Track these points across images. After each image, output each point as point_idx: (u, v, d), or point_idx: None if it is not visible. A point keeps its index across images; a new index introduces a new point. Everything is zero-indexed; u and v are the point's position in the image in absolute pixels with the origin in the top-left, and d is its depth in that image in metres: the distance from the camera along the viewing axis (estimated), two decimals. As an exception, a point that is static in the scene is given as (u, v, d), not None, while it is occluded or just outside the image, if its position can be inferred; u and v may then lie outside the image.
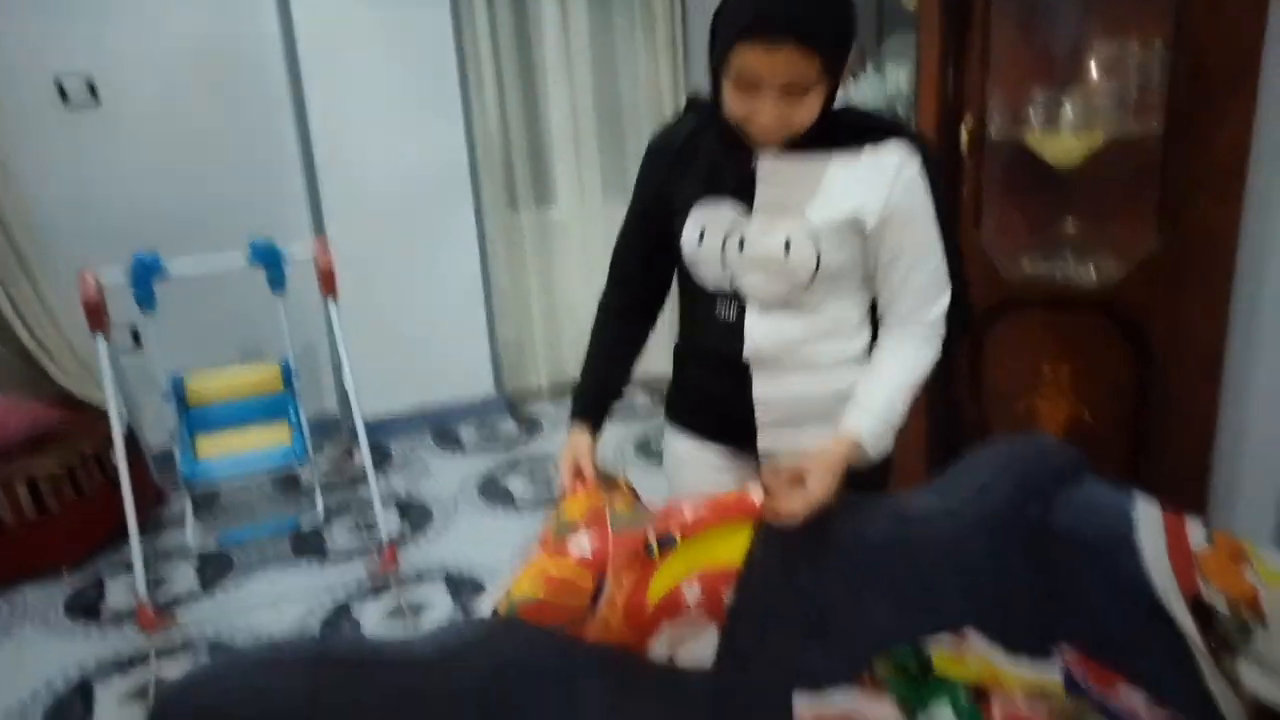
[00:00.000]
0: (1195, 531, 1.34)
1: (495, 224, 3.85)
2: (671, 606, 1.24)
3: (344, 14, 3.40)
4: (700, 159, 1.33)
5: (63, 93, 3.19)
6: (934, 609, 1.42)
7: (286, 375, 3.10)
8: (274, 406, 3.10)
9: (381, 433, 3.75)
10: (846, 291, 1.36)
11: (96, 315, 2.62)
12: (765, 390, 1.39)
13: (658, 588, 1.23)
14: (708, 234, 1.32)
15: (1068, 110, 2.16)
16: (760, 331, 1.35)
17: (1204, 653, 1.26)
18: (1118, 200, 2.27)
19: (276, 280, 3.01)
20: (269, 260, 2.95)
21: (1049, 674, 1.39)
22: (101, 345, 2.67)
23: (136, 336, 3.37)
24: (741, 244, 1.30)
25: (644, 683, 1.24)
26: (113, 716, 2.19)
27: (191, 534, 2.99)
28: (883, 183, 1.28)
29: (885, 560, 1.38)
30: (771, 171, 1.28)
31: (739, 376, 1.39)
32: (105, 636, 2.52)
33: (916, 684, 1.32)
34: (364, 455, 2.88)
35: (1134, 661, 1.38)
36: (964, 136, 2.30)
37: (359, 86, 3.47)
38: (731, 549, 1.28)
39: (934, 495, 1.47)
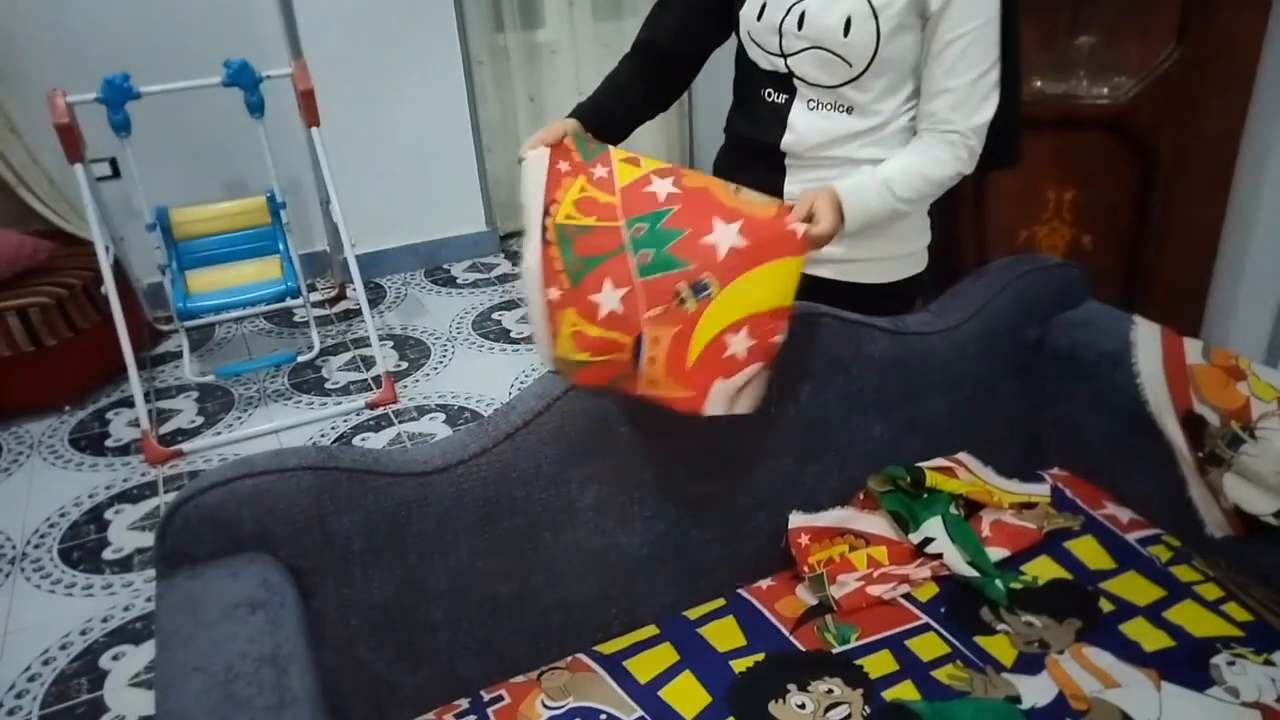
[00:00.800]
0: (1193, 349, 1.33)
1: (481, 47, 3.66)
2: (718, 361, 1.11)
3: None
4: None
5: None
6: (926, 429, 1.44)
7: (273, 207, 3.02)
8: (262, 239, 3.04)
9: (373, 269, 3.71)
10: (896, 90, 1.25)
11: (70, 140, 2.51)
12: (796, 187, 1.32)
13: (699, 341, 1.10)
14: (769, 7, 1.25)
15: (1094, -92, 2.01)
16: (805, 121, 1.29)
17: (1190, 465, 1.29)
18: (1136, 12, 2.14)
19: (255, 105, 2.88)
20: (245, 82, 2.81)
21: (1038, 490, 1.43)
22: (80, 173, 2.58)
23: (116, 168, 3.26)
24: (801, 20, 1.22)
25: (642, 492, 1.27)
26: (127, 541, 2.26)
27: (189, 368, 3.00)
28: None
29: (882, 380, 1.38)
30: None
31: (773, 166, 1.33)
32: (113, 467, 2.58)
33: (909, 498, 1.36)
34: (358, 290, 2.86)
35: (1120, 476, 1.41)
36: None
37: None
38: (777, 288, 1.11)
39: (934, 315, 1.46)
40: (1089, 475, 1.46)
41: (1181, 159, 2.08)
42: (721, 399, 1.12)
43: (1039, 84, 2.24)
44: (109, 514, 2.37)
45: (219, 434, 2.72)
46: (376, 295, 3.62)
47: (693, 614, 1.27)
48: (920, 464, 1.39)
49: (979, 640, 1.17)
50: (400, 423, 2.73)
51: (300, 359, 3.06)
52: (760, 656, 1.18)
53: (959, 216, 2.45)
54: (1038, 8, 2.26)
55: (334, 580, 1.09)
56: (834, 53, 1.21)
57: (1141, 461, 1.37)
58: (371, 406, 2.80)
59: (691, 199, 1.15)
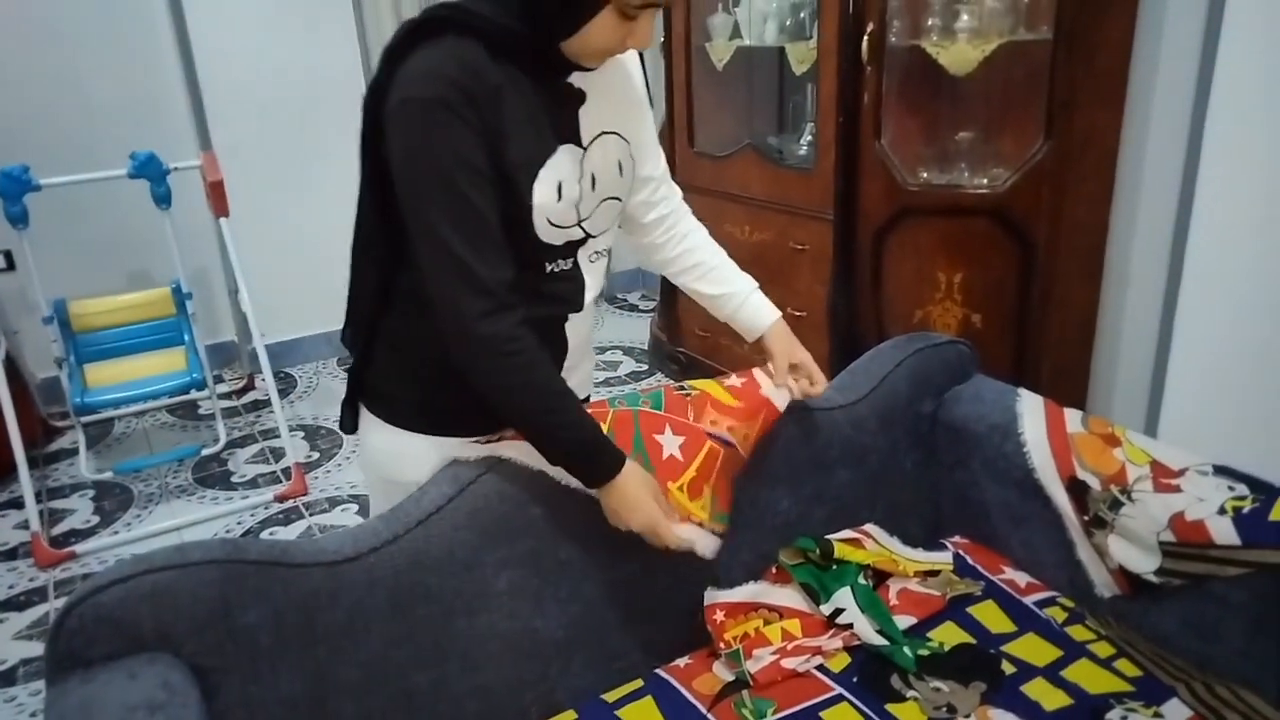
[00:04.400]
0: (1073, 419, 1.43)
1: (395, 139, 3.72)
2: (748, 386, 1.38)
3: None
4: (524, 103, 1.06)
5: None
6: (832, 501, 1.49)
7: (179, 298, 2.97)
8: (167, 331, 2.98)
9: (284, 358, 3.65)
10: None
11: (-39, 237, 2.45)
12: (576, 336, 1.25)
13: (722, 396, 1.36)
14: (566, 185, 1.10)
15: (964, 17, 2.20)
16: (594, 273, 1.23)
17: (1077, 528, 1.37)
18: (1009, 109, 2.33)
19: (162, 196, 2.86)
20: (152, 173, 2.80)
21: (941, 558, 1.48)
22: (-30, 268, 2.50)
23: (10, 260, 3.16)
24: (594, 182, 1.15)
25: (558, 574, 1.27)
26: (11, 651, 2.12)
27: (85, 465, 2.87)
28: (637, 73, 1.24)
29: (788, 455, 1.43)
30: (592, 94, 1.14)
31: (554, 333, 1.22)
32: (-2, 573, 2.43)
33: (819, 569, 1.39)
34: (268, 380, 2.81)
35: (1015, 542, 1.48)
36: (865, 43, 2.32)
37: (240, -6, 3.26)
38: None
39: (835, 391, 1.53)
40: (988, 541, 1.53)
41: (1056, 244, 2.24)
42: (781, 395, 1.39)
43: (925, 175, 2.40)
44: (-9, 623, 2.23)
45: (116, 533, 2.60)
46: (287, 385, 3.56)
47: (610, 696, 1.27)
48: (829, 536, 1.44)
49: (890, 708, 1.20)
50: (311, 515, 2.66)
51: (205, 452, 2.97)
52: (679, 736, 1.18)
53: (860, 298, 2.57)
54: (921, 105, 2.44)
55: (240, 678, 1.05)
56: (615, 197, 1.21)
57: (1034, 526, 1.44)
58: (281, 499, 2.72)
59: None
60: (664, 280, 3.38)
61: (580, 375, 1.33)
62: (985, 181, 2.31)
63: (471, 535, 1.19)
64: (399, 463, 1.25)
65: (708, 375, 1.43)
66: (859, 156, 2.45)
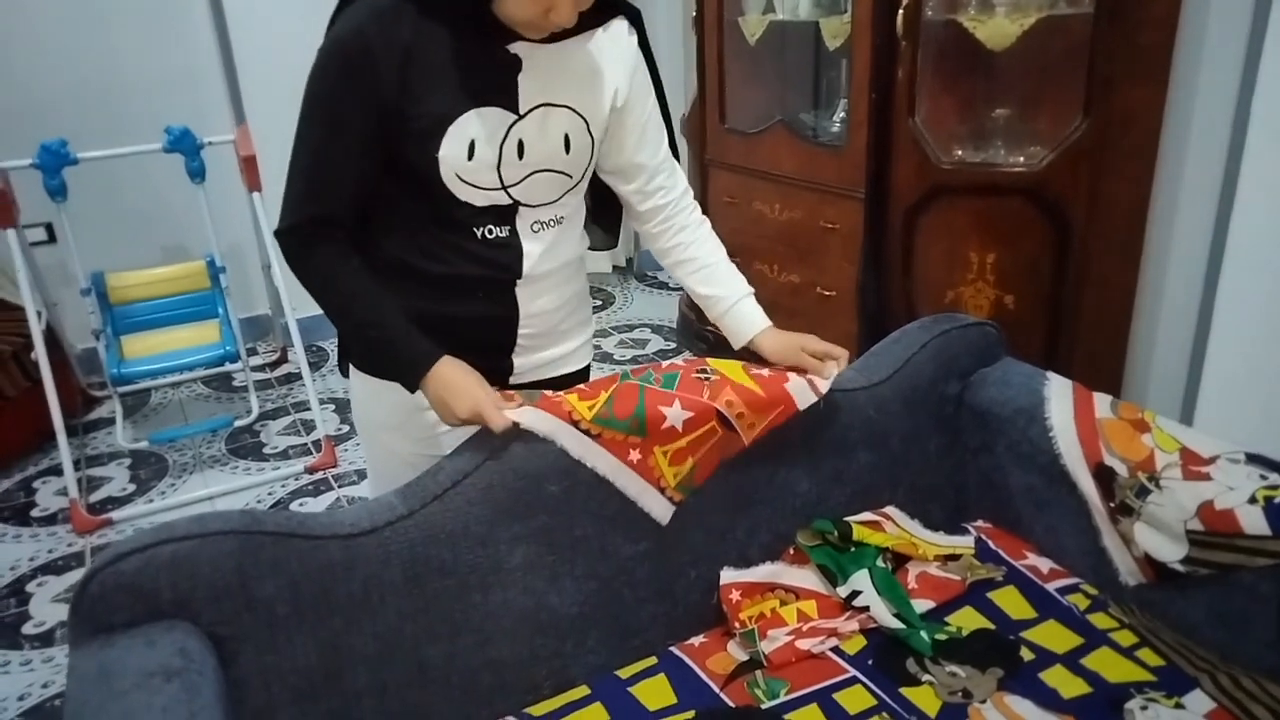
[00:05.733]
0: (1102, 404, 1.39)
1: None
2: (775, 376, 1.35)
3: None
4: (442, 61, 1.11)
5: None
6: (852, 483, 1.47)
7: (213, 272, 3.01)
8: (201, 304, 3.02)
9: (317, 332, 3.69)
10: (587, 184, 1.31)
11: (3, 206, 2.49)
12: (534, 305, 1.28)
13: (746, 379, 1.33)
14: (480, 145, 1.13)
15: (1002, -10, 2.14)
16: (537, 247, 1.24)
17: (1103, 514, 1.34)
18: (1047, 85, 2.27)
19: (196, 170, 2.89)
20: (186, 148, 2.83)
21: (963, 542, 1.46)
22: (12, 238, 2.56)
23: (52, 233, 3.22)
24: (521, 149, 1.17)
25: (573, 551, 1.27)
26: (49, 614, 2.18)
27: (122, 434, 2.94)
28: (622, 62, 1.24)
29: (808, 435, 1.42)
30: (534, 64, 1.15)
31: (500, 299, 1.25)
32: (38, 538, 2.50)
33: (837, 552, 1.38)
34: (299, 353, 2.84)
35: (1039, 528, 1.45)
36: (900, 17, 2.26)
37: (275, -33, 3.27)
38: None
39: (858, 372, 1.51)
40: (1011, 526, 1.50)
41: (1094, 225, 2.18)
42: (806, 393, 1.35)
43: (959, 153, 2.35)
44: (31, 586, 2.29)
45: (151, 501, 2.66)
46: (319, 358, 3.60)
47: (624, 673, 1.27)
48: (848, 518, 1.42)
49: (904, 692, 1.19)
50: (340, 487, 2.70)
51: (238, 424, 3.02)
52: (691, 714, 1.18)
53: (889, 278, 2.54)
54: (957, 81, 2.39)
55: (256, 647, 1.07)
56: (558, 171, 1.21)
57: (1059, 512, 1.42)
58: (310, 471, 2.76)
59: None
60: (693, 258, 3.37)
61: (563, 349, 1.35)
62: (1021, 160, 2.26)
63: (486, 510, 1.20)
64: (372, 407, 1.32)
65: (734, 355, 1.41)
66: (892, 134, 2.40)
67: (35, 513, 2.62)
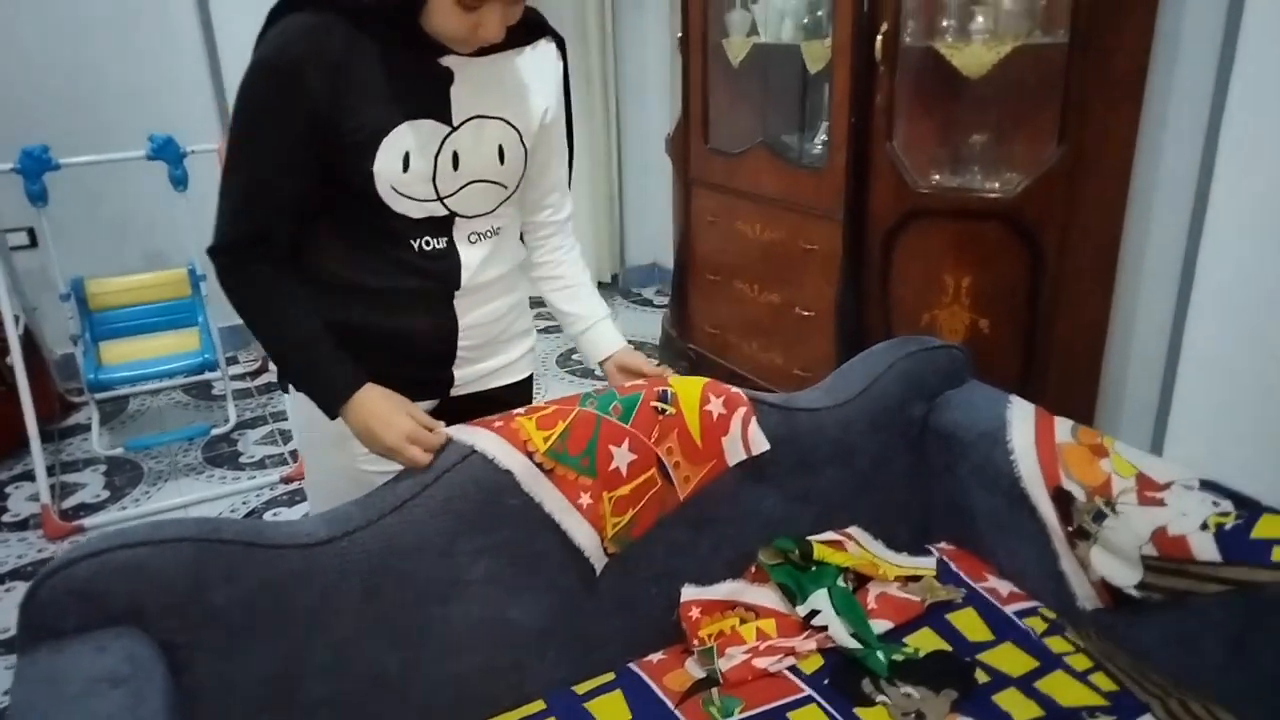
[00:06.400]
0: (1063, 428, 1.41)
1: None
2: (713, 426, 1.35)
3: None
4: (374, 75, 1.11)
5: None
6: (817, 502, 1.48)
7: (194, 280, 3.01)
8: (181, 312, 3.02)
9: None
10: (517, 200, 1.33)
11: (-18, 212, 2.50)
12: (472, 316, 1.29)
13: (693, 425, 1.35)
14: (414, 157, 1.14)
15: (979, 18, 2.17)
16: (475, 257, 1.25)
17: (1061, 538, 1.35)
18: (1023, 112, 2.30)
19: (179, 178, 2.89)
20: (169, 156, 2.84)
21: (924, 564, 1.47)
22: (-10, 244, 2.56)
23: (34, 237, 3.22)
24: (456, 161, 1.18)
25: (534, 565, 1.27)
26: (14, 621, 2.16)
27: (98, 440, 2.92)
28: (551, 81, 1.28)
29: (773, 454, 1.42)
30: (466, 77, 1.16)
31: (439, 310, 1.26)
32: (8, 543, 2.48)
33: (798, 571, 1.39)
34: (276, 362, 2.84)
35: (1000, 550, 1.46)
36: (878, 42, 2.29)
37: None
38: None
39: (824, 392, 1.52)
40: (974, 548, 1.51)
41: (1068, 250, 2.21)
42: (737, 450, 1.37)
43: (936, 177, 2.38)
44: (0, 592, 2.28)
45: (124, 509, 2.64)
46: (300, 369, 3.59)
47: (581, 689, 1.27)
48: (810, 537, 1.43)
49: (859, 712, 1.19)
50: (315, 498, 2.69)
51: (215, 432, 3.00)
52: (645, 731, 1.18)
53: (868, 300, 2.55)
54: (934, 107, 2.42)
55: (210, 656, 1.07)
56: (492, 181, 1.23)
57: (1020, 535, 1.43)
58: (286, 481, 2.75)
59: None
60: (676, 275, 3.38)
61: (504, 359, 1.36)
62: (997, 185, 2.28)
63: (447, 522, 1.20)
64: (313, 426, 1.29)
65: (717, 372, 1.42)
66: (870, 157, 2.43)
67: (6, 518, 2.61)
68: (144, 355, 2.84)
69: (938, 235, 2.36)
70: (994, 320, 2.34)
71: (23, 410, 2.56)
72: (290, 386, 1.28)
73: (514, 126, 1.23)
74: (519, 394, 1.43)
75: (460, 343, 1.29)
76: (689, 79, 3.06)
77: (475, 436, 1.22)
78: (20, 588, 2.29)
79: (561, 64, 1.30)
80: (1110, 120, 2.15)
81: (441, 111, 1.16)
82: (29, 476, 2.77)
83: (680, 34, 3.05)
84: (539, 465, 1.23)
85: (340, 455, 1.28)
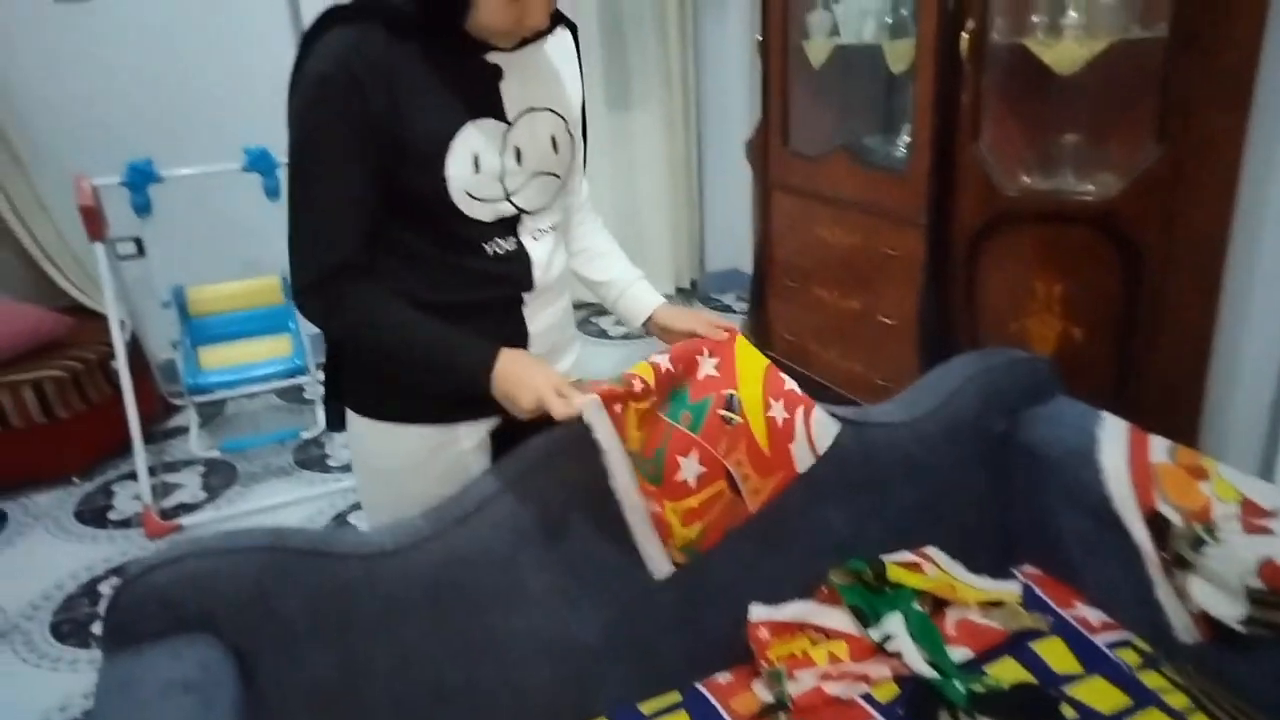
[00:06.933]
0: (1158, 448, 1.32)
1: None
2: (778, 432, 1.29)
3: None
4: (426, 80, 1.10)
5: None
6: (891, 521, 1.43)
7: (285, 287, 3.12)
8: (274, 319, 3.13)
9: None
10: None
11: (94, 221, 2.63)
12: (538, 321, 1.26)
13: (759, 432, 1.28)
14: (483, 157, 1.12)
15: (1071, 13, 2.07)
16: (542, 254, 1.23)
17: (1156, 565, 1.27)
18: (1119, 110, 2.18)
19: (272, 189, 2.99)
20: (264, 167, 2.94)
21: (1008, 588, 1.40)
22: (100, 252, 2.69)
23: (141, 246, 3.38)
24: (519, 156, 1.16)
25: (596, 578, 1.26)
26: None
27: (196, 443, 3.05)
28: (573, 67, 1.26)
29: (844, 470, 1.38)
30: (513, 72, 1.15)
31: (510, 319, 1.24)
32: (113, 541, 2.61)
33: (871, 593, 1.34)
34: (361, 368, 2.91)
35: (1090, 576, 1.39)
36: (964, 40, 2.21)
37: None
38: (753, 356, 1.31)
39: (899, 406, 1.47)
40: (1060, 573, 1.44)
41: (1169, 257, 2.08)
42: (805, 455, 1.31)
43: (1025, 179, 2.28)
44: (104, 587, 2.39)
45: (219, 509, 2.75)
46: (386, 373, 3.68)
47: (646, 708, 1.26)
48: (885, 557, 1.38)
49: (933, 744, 1.14)
50: (396, 501, 2.74)
51: (305, 435, 3.10)
52: (710, 754, 1.15)
53: (952, 308, 2.47)
54: (1023, 106, 2.32)
55: (275, 661, 1.09)
56: (549, 173, 1.22)
57: (1111, 560, 1.35)
58: (369, 484, 2.82)
59: (679, 359, 1.24)
60: (754, 281, 3.33)
61: (560, 368, 1.32)
62: (1091, 188, 2.17)
63: (509, 535, 1.20)
64: (383, 455, 1.28)
65: (797, 381, 1.36)
66: (955, 160, 2.34)
67: (112, 515, 2.74)
68: (239, 360, 2.96)
69: (1027, 240, 2.26)
70: (1088, 329, 2.23)
71: (127, 415, 2.69)
72: (352, 418, 1.28)
73: (561, 115, 1.22)
74: None
75: (530, 350, 1.27)
76: (769, 82, 3.02)
77: (588, 408, 1.14)
78: (121, 583, 2.40)
79: (575, 50, 1.29)
80: (1215, 120, 2.02)
81: (496, 108, 1.15)
82: (134, 476, 2.91)
83: (760, 37, 3.00)
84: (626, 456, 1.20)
85: (418, 481, 1.26)
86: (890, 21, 2.61)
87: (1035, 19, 2.14)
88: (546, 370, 1.15)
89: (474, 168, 1.12)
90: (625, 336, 3.96)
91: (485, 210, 1.16)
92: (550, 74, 1.22)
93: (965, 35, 2.20)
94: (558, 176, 1.24)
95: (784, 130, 3.00)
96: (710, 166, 4.27)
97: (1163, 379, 2.21)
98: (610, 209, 4.07)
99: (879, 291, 2.70)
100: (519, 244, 1.21)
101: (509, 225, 1.20)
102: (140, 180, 2.77)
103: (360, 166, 1.10)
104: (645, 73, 3.97)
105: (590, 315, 4.11)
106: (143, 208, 2.83)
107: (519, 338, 1.25)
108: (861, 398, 2.79)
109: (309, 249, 1.12)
